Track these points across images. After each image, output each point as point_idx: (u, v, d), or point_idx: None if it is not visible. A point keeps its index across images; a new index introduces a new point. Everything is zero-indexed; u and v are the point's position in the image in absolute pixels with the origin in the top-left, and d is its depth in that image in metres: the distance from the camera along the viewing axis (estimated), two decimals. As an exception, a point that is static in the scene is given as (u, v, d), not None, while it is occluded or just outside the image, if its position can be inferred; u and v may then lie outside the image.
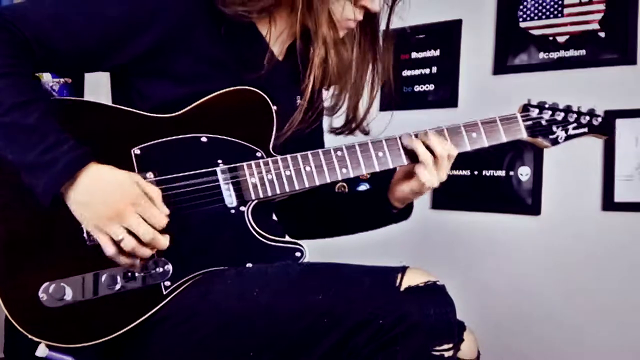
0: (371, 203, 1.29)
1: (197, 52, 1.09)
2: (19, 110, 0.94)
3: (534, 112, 1.24)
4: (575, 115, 1.26)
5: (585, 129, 1.27)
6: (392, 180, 1.24)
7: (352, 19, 1.15)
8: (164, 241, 0.98)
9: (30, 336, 0.98)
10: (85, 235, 1.01)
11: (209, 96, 1.09)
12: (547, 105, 1.25)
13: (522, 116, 1.23)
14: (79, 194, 0.95)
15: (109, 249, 0.95)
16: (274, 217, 1.26)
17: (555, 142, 1.26)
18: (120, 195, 0.95)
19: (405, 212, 1.28)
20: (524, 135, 1.23)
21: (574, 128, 1.26)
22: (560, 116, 1.26)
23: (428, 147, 1.14)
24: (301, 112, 1.15)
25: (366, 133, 1.29)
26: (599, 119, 1.28)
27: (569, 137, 1.26)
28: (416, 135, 1.16)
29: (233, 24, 1.11)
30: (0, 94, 0.95)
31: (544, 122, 1.25)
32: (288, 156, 1.12)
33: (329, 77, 1.15)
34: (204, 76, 1.10)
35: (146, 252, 0.97)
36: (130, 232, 0.95)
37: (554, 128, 1.25)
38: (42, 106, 0.97)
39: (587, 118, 1.27)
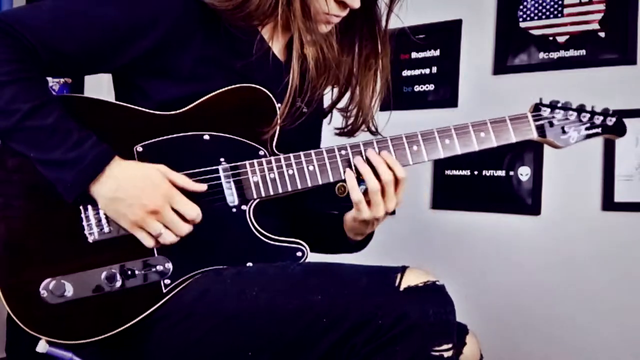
0: (334, 228, 1.26)
1: (197, 51, 1.09)
2: (37, 112, 0.96)
3: (546, 112, 1.20)
4: (588, 116, 1.21)
5: (599, 129, 1.22)
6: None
7: (328, 12, 1.12)
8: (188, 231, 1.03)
9: (30, 332, 0.99)
10: (86, 232, 1.02)
11: (212, 94, 1.09)
12: (559, 105, 1.21)
13: (533, 116, 1.19)
14: (108, 189, 0.98)
15: (149, 242, 1.01)
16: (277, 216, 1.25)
17: (567, 142, 1.21)
18: (153, 191, 0.99)
19: (361, 243, 1.26)
20: (534, 135, 1.18)
21: (586, 128, 1.21)
22: (572, 116, 1.21)
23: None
24: (287, 106, 1.12)
25: (373, 132, 1.28)
26: (613, 120, 1.23)
27: (582, 138, 1.22)
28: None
29: (232, 24, 1.11)
30: (16, 99, 0.96)
31: (555, 122, 1.20)
32: (291, 155, 1.11)
33: (322, 74, 1.13)
34: (205, 75, 1.11)
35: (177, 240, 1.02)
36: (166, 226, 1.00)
37: (566, 128, 1.20)
38: (58, 106, 1.00)
39: (601, 118, 1.22)
